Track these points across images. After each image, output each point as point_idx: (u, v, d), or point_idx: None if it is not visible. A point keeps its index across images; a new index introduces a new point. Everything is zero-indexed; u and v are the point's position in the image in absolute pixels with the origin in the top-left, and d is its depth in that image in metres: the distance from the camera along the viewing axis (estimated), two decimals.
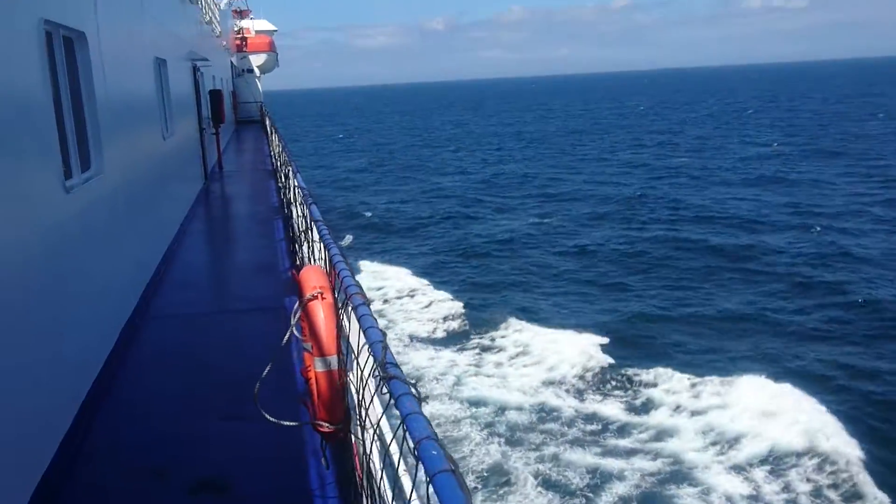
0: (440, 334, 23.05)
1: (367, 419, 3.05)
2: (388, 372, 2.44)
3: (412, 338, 22.61)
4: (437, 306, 25.27)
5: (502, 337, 22.53)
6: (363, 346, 3.40)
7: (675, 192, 46.10)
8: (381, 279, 28.67)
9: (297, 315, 4.13)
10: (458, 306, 24.96)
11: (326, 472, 4.61)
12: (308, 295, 4.14)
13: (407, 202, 49.22)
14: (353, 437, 4.30)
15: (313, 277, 4.27)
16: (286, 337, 4.30)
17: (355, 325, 3.40)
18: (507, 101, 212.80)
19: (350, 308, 3.37)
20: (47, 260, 5.13)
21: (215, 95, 21.16)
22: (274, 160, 21.76)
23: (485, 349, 21.77)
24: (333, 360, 4.00)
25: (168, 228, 11.88)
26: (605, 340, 21.51)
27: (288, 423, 4.31)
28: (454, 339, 22.56)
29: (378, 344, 2.70)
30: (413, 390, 2.32)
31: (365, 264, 30.68)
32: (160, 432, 5.50)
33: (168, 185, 12.48)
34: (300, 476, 4.64)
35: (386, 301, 26.06)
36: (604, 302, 25.96)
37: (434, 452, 1.91)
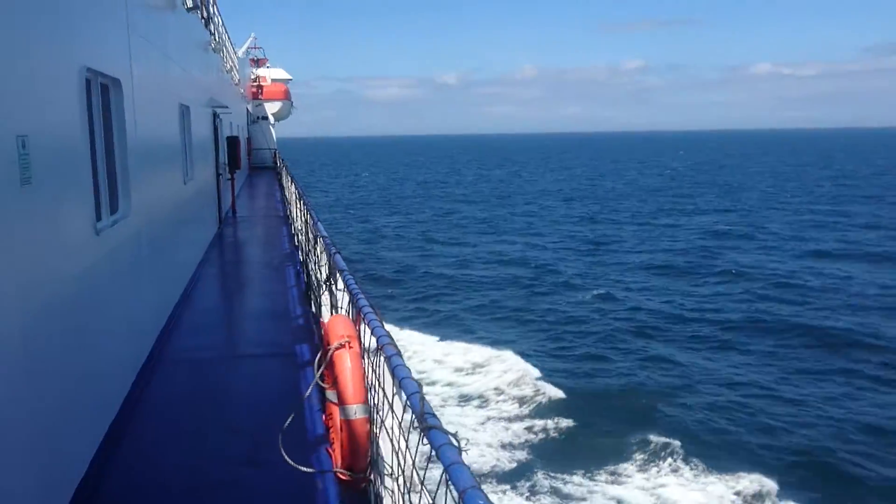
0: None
1: (401, 469, 3.09)
2: (427, 422, 2.50)
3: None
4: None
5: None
6: (394, 395, 3.47)
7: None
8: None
9: (323, 364, 4.20)
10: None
11: None
12: (335, 343, 4.21)
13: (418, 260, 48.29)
14: (374, 485, 4.33)
15: (340, 326, 4.35)
16: (310, 388, 4.37)
17: (386, 374, 3.47)
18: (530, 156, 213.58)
19: (382, 358, 3.44)
20: (76, 302, 5.22)
21: (232, 142, 21.51)
22: (287, 207, 22.02)
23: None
24: (360, 408, 4.06)
25: (184, 272, 12.01)
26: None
27: (309, 469, 4.33)
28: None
29: (416, 395, 2.76)
30: (454, 441, 2.37)
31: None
32: (177, 477, 5.51)
33: (186, 229, 12.65)
34: None
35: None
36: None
37: (480, 502, 1.96)
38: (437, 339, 27.46)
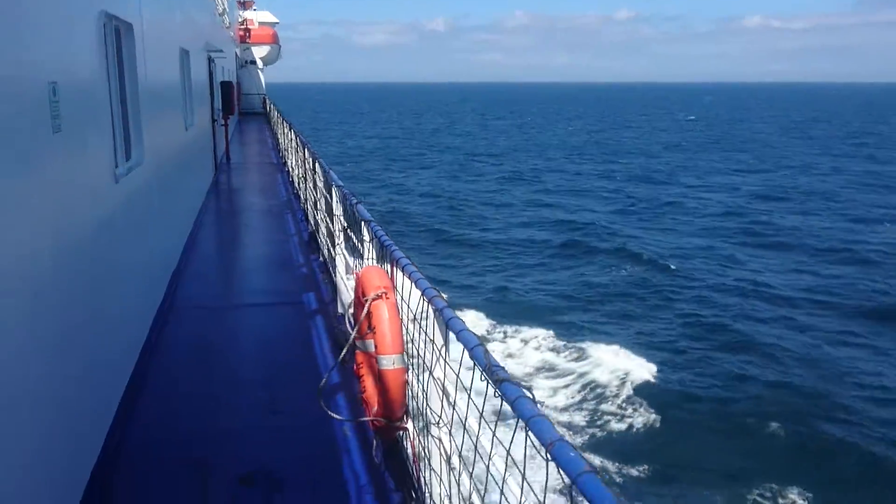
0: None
1: (453, 420, 3.12)
2: (498, 374, 2.52)
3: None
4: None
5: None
6: (442, 346, 3.50)
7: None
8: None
9: (362, 315, 4.22)
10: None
11: (380, 470, 4.69)
12: (372, 294, 4.22)
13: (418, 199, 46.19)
14: (410, 435, 4.39)
15: (375, 277, 4.35)
16: (350, 339, 4.39)
17: (431, 325, 3.49)
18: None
19: (428, 309, 3.46)
20: (98, 247, 5.20)
21: (226, 87, 21.18)
22: (282, 154, 21.82)
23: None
24: (397, 359, 4.09)
25: (188, 219, 11.95)
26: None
27: (343, 418, 4.38)
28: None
29: (479, 348, 2.78)
30: (529, 394, 2.40)
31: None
32: (201, 426, 5.56)
33: (188, 176, 12.54)
34: (352, 472, 4.72)
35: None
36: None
37: (572, 454, 1.99)
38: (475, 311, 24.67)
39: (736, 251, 33.82)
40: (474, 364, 2.81)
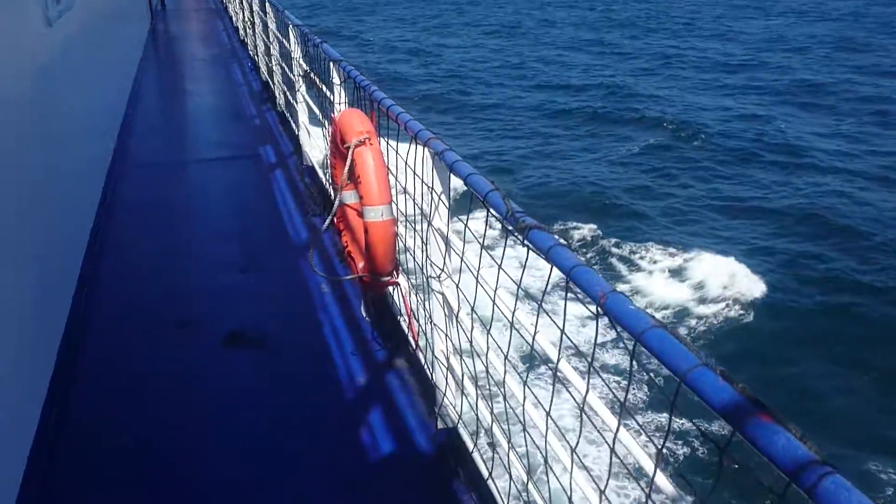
0: None
1: (472, 271, 2.86)
2: (525, 222, 2.25)
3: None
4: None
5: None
6: (441, 193, 3.20)
7: None
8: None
9: (346, 164, 3.87)
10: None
11: (370, 326, 4.51)
12: (354, 140, 3.86)
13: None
14: (401, 290, 4.18)
15: (356, 121, 3.96)
16: (338, 196, 4.06)
17: (428, 171, 3.17)
18: None
19: (425, 153, 3.12)
20: (35, 100, 4.66)
21: None
22: None
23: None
24: (385, 209, 3.79)
25: (128, 70, 11.10)
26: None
27: (335, 276, 4.13)
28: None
29: (495, 193, 2.48)
30: (562, 241, 2.14)
31: None
32: (175, 286, 5.27)
33: (124, 22, 11.55)
34: (342, 330, 4.52)
35: None
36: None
37: (631, 308, 1.76)
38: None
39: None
40: (488, 212, 2.53)
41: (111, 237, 6.07)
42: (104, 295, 5.16)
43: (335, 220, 4.56)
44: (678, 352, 1.58)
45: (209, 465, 3.52)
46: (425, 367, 3.80)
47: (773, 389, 12.97)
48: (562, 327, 2.15)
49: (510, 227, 2.31)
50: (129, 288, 5.31)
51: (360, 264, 4.23)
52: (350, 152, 3.84)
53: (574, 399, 2.25)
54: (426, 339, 3.72)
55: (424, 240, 3.32)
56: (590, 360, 2.02)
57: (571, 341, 2.17)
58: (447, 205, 3.07)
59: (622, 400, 1.83)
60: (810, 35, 47.91)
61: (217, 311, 4.84)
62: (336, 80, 5.07)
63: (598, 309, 1.84)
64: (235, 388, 4.06)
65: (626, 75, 37.78)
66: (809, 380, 13.85)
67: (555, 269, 2.03)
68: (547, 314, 2.25)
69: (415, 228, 3.49)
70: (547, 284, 2.32)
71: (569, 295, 1.98)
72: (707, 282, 17.13)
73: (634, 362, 1.83)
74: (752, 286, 16.80)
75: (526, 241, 2.21)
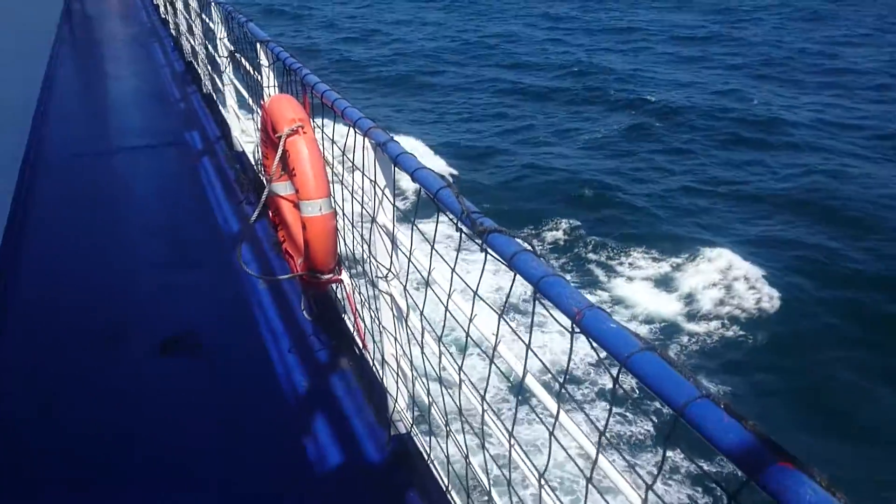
0: None
1: (403, 268, 2.63)
2: (483, 225, 2.01)
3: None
4: None
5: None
6: (385, 187, 2.94)
7: None
8: None
9: (277, 155, 3.56)
10: None
11: (313, 326, 4.23)
12: (286, 129, 3.56)
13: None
14: (345, 287, 3.92)
15: (288, 109, 3.66)
16: (266, 190, 3.75)
17: (371, 164, 2.91)
18: None
19: (366, 143, 2.86)
20: None
21: None
22: None
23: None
24: (325, 203, 3.51)
25: (41, 52, 10.42)
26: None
27: (272, 275, 3.84)
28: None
29: (446, 190, 2.24)
30: (528, 245, 1.92)
31: None
32: (102, 288, 4.88)
33: (34, 1, 10.83)
34: (282, 330, 4.23)
35: None
36: None
37: (612, 326, 1.55)
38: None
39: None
40: (438, 211, 2.29)
41: (27, 237, 5.62)
42: (19, 302, 4.74)
43: (270, 213, 4.26)
44: (673, 380, 1.37)
45: (144, 489, 3.22)
46: (375, 370, 3.56)
47: (779, 399, 12.12)
48: (527, 342, 1.94)
49: (464, 231, 2.08)
50: (48, 293, 4.90)
51: (299, 260, 3.94)
52: (282, 142, 3.54)
53: (542, 421, 2.05)
54: (373, 341, 3.49)
55: (368, 238, 3.07)
56: (561, 380, 1.81)
57: (540, 359, 1.95)
58: (392, 200, 2.82)
59: (601, 430, 1.62)
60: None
61: (149, 316, 4.49)
62: (264, 61, 4.72)
63: (573, 327, 1.63)
64: (172, 403, 3.75)
65: (587, 51, 36.49)
66: (827, 384, 12.76)
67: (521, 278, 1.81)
68: (508, 324, 2.03)
69: (353, 223, 3.24)
70: (507, 297, 2.10)
71: (540, 309, 1.76)
72: (695, 283, 16.01)
73: (618, 387, 1.63)
74: (747, 282, 15.76)
75: (485, 247, 1.98)
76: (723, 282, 15.83)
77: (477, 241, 2.02)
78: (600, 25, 41.80)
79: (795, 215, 18.66)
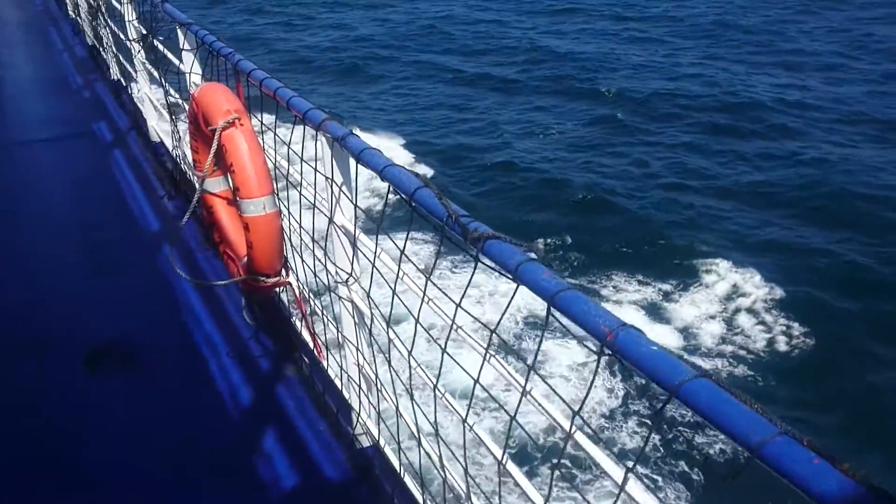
0: None
1: (367, 274, 2.38)
2: (477, 231, 1.80)
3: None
4: None
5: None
6: (343, 185, 2.68)
7: None
8: None
9: (211, 150, 3.24)
10: None
11: (253, 329, 3.92)
12: (222, 121, 3.24)
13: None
14: (293, 291, 3.63)
15: (221, 99, 3.33)
16: (198, 189, 3.41)
17: (328, 159, 2.65)
18: None
19: (322, 139, 2.59)
20: None
21: None
22: None
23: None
24: (269, 201, 3.22)
25: None
26: None
27: (212, 279, 3.52)
28: None
29: (424, 189, 2.01)
30: (532, 254, 1.72)
31: None
32: (17, 298, 4.43)
33: None
34: (222, 337, 3.91)
35: None
36: None
37: (654, 349, 1.37)
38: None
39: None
40: (413, 208, 2.05)
41: None
42: None
43: (206, 213, 3.92)
44: (741, 414, 1.20)
45: None
46: (331, 380, 3.31)
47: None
48: (530, 364, 1.74)
49: (450, 237, 1.86)
50: None
51: (241, 262, 3.63)
52: (217, 136, 3.23)
53: (529, 436, 1.86)
54: (326, 349, 3.23)
55: (324, 239, 2.80)
56: (576, 409, 1.62)
57: (542, 377, 1.75)
58: (352, 199, 2.56)
59: (631, 467, 1.44)
60: None
61: (71, 326, 4.08)
62: (186, 45, 4.34)
63: (603, 349, 1.43)
64: (104, 421, 3.40)
65: (534, 34, 34.68)
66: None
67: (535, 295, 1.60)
68: (501, 338, 1.82)
69: (300, 223, 2.97)
70: (504, 313, 1.90)
71: (555, 324, 1.57)
72: (710, 291, 15.29)
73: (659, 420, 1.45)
74: (741, 275, 15.47)
75: (480, 256, 1.76)
76: (717, 280, 15.70)
77: (469, 249, 1.81)
78: (543, 6, 40.28)
79: (779, 207, 18.54)
